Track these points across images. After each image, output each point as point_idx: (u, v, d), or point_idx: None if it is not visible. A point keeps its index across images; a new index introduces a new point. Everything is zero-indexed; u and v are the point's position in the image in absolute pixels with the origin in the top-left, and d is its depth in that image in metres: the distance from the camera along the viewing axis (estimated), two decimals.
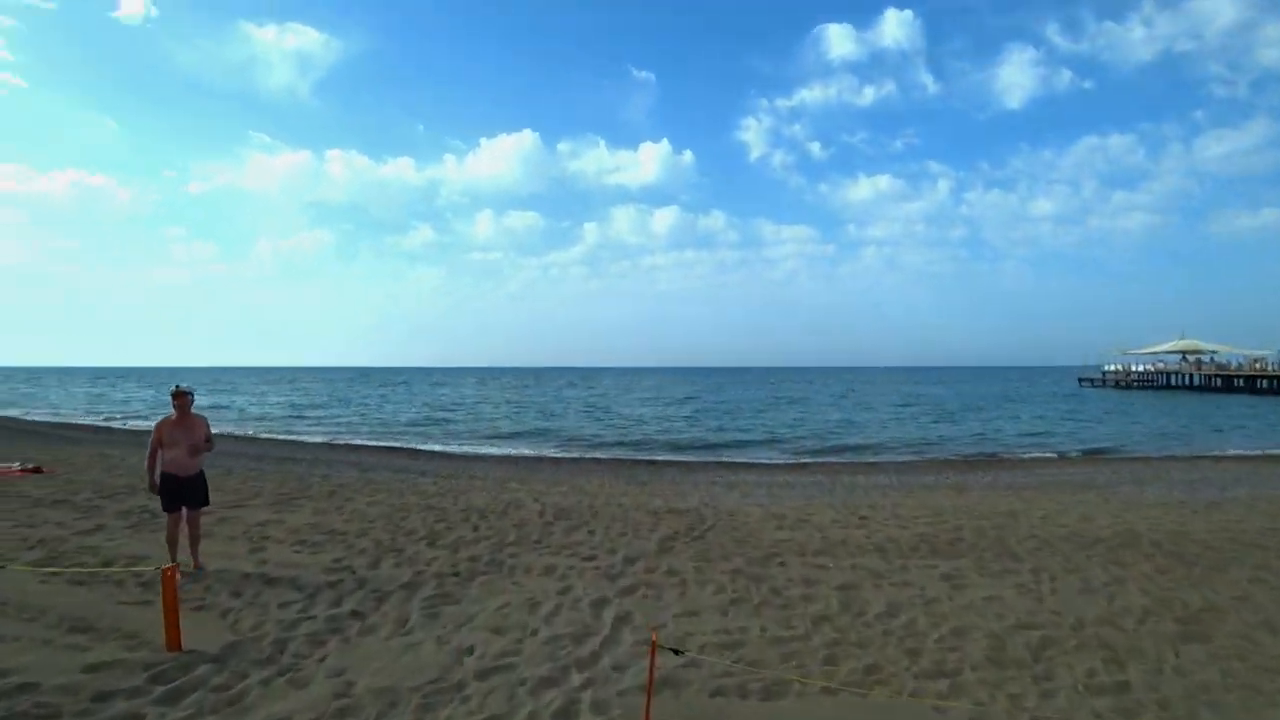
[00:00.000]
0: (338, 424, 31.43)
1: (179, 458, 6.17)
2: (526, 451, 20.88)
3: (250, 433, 26.40)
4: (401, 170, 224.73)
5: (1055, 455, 20.67)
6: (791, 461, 19.32)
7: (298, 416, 36.23)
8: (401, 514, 9.37)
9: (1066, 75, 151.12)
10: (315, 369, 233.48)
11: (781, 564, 6.92)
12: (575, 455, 20.03)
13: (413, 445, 22.15)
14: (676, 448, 22.17)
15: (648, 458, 19.64)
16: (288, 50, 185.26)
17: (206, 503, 6.49)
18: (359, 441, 23.36)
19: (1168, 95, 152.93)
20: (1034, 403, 47.82)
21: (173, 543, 6.24)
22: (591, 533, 8.21)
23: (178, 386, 6.29)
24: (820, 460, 19.73)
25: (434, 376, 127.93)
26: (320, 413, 39.01)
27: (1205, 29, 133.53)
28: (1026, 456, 20.33)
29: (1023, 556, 7.59)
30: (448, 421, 32.82)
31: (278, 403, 47.53)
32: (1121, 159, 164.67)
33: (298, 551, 7.17)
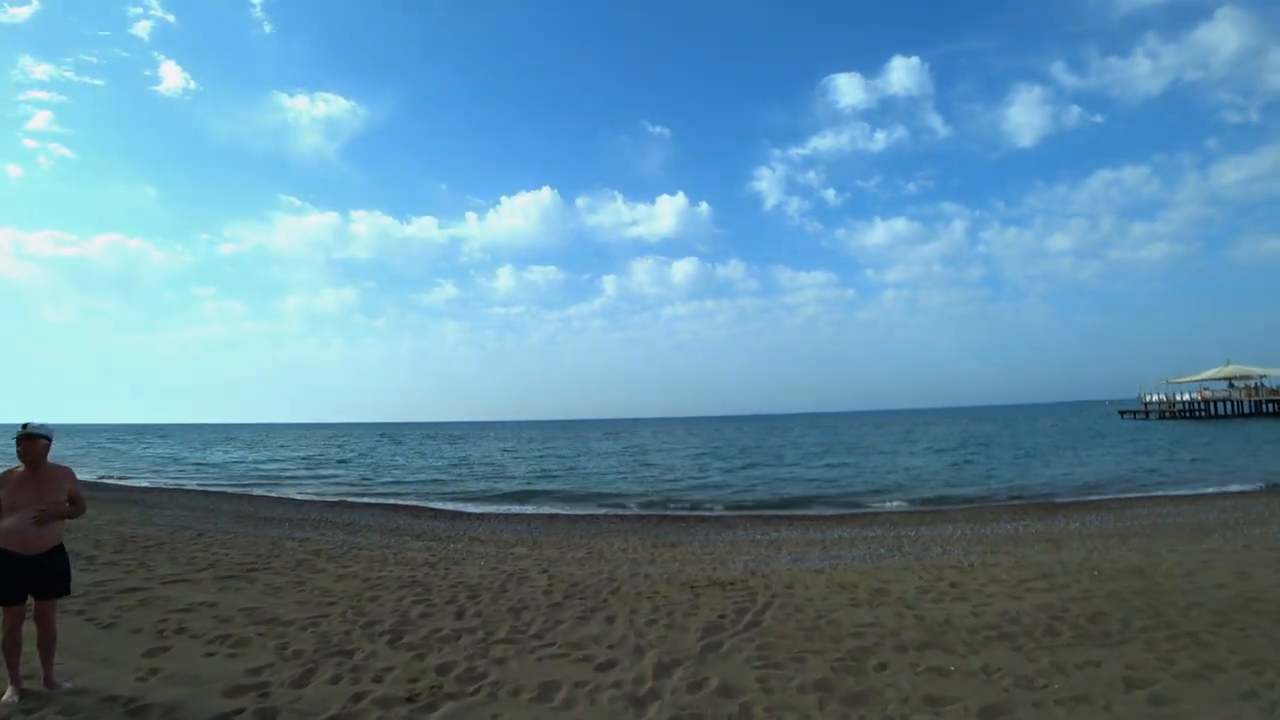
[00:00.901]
0: (349, 481, 29.64)
1: (21, 527, 4.31)
2: (541, 510, 18.84)
3: (251, 490, 24.67)
4: (425, 229, 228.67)
5: (1139, 495, 18.17)
6: (840, 513, 17.05)
7: (310, 474, 34.52)
8: (373, 593, 7.43)
9: (1075, 111, 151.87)
10: (343, 425, 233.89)
11: (880, 667, 4.85)
12: (596, 513, 17.94)
13: (418, 503, 20.24)
14: (709, 502, 19.97)
15: (677, 514, 17.50)
16: (318, 117, 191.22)
17: (66, 591, 4.60)
18: (362, 499, 21.50)
19: (1179, 125, 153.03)
20: (1087, 439, 44.80)
21: (11, 649, 4.35)
22: (610, 620, 6.19)
23: (25, 427, 4.47)
24: (871, 510, 17.43)
25: (459, 430, 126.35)
26: (334, 469, 37.32)
27: (1211, 58, 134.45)
28: (1107, 497, 17.87)
29: (1208, 639, 5.46)
30: (463, 477, 30.90)
31: (294, 458, 46.02)
32: (1138, 190, 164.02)
33: (210, 655, 5.24)
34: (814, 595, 7.23)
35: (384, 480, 29.37)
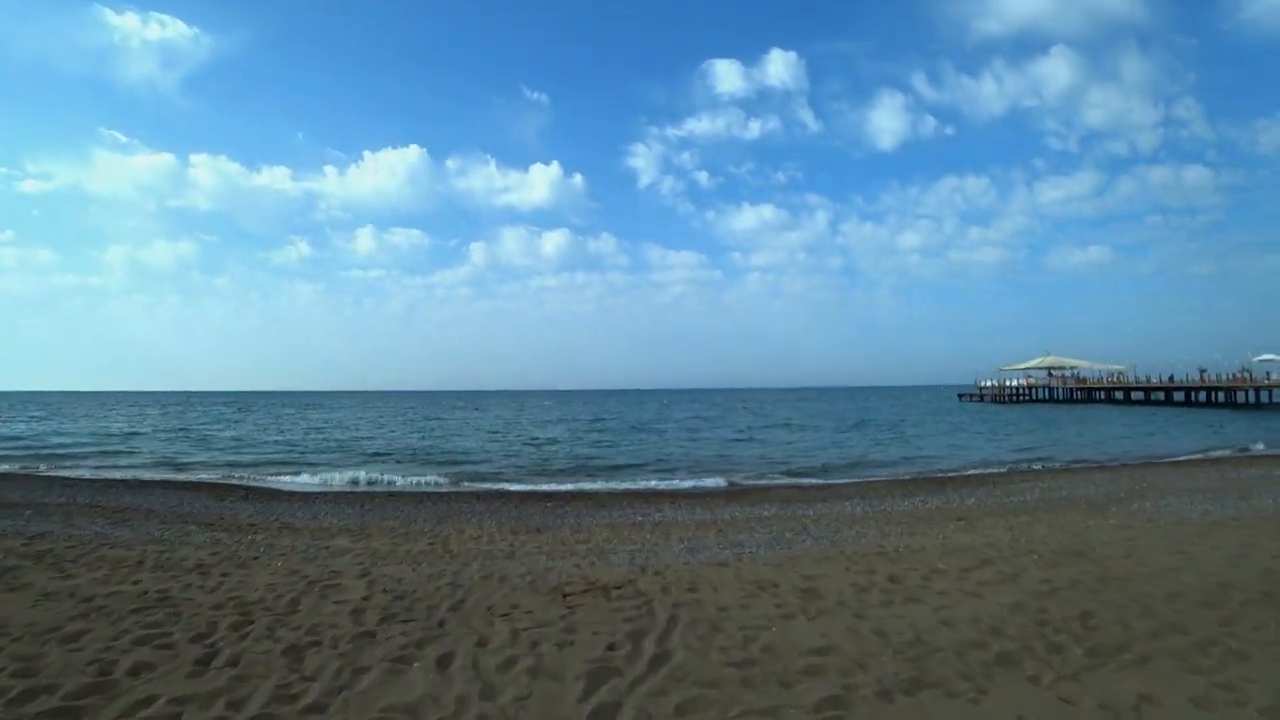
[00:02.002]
0: (157, 456, 24.93)
1: None
2: (381, 487, 16.05)
3: (14, 468, 19.80)
4: (277, 180, 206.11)
5: (1011, 470, 18.27)
6: (725, 487, 15.68)
7: (118, 448, 28.91)
8: (81, 625, 4.84)
9: (931, 122, 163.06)
10: (182, 394, 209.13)
11: None
12: (447, 490, 15.46)
13: (232, 481, 16.78)
14: (580, 476, 18.01)
15: (544, 489, 15.39)
16: (151, 41, 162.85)
17: None
18: (162, 477, 17.62)
19: (1014, 144, 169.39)
20: (940, 418, 47.33)
21: None
22: (444, 663, 4.05)
23: None
24: (759, 483, 16.22)
25: (318, 400, 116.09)
26: (145, 443, 31.73)
27: (1044, 89, 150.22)
28: (988, 472, 17.77)
29: (1234, 644, 4.31)
30: (306, 450, 26.99)
31: (94, 431, 39.08)
32: (977, 199, 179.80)
33: None
34: (728, 602, 5.46)
35: (205, 455, 24.98)
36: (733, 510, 11.74)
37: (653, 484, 16.24)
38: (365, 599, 5.49)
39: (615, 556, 7.65)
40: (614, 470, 19.25)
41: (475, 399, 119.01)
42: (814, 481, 16.43)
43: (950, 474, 17.53)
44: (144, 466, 20.92)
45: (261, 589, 5.85)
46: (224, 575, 6.41)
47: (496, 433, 35.83)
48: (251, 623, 4.88)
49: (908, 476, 17.24)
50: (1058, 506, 11.46)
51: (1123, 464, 18.87)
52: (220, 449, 27.32)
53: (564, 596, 5.59)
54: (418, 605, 5.29)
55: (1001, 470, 18.05)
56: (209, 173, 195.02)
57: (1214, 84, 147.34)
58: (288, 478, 17.39)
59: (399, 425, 42.80)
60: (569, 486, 15.92)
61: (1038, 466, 18.83)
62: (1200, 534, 8.50)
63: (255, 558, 7.32)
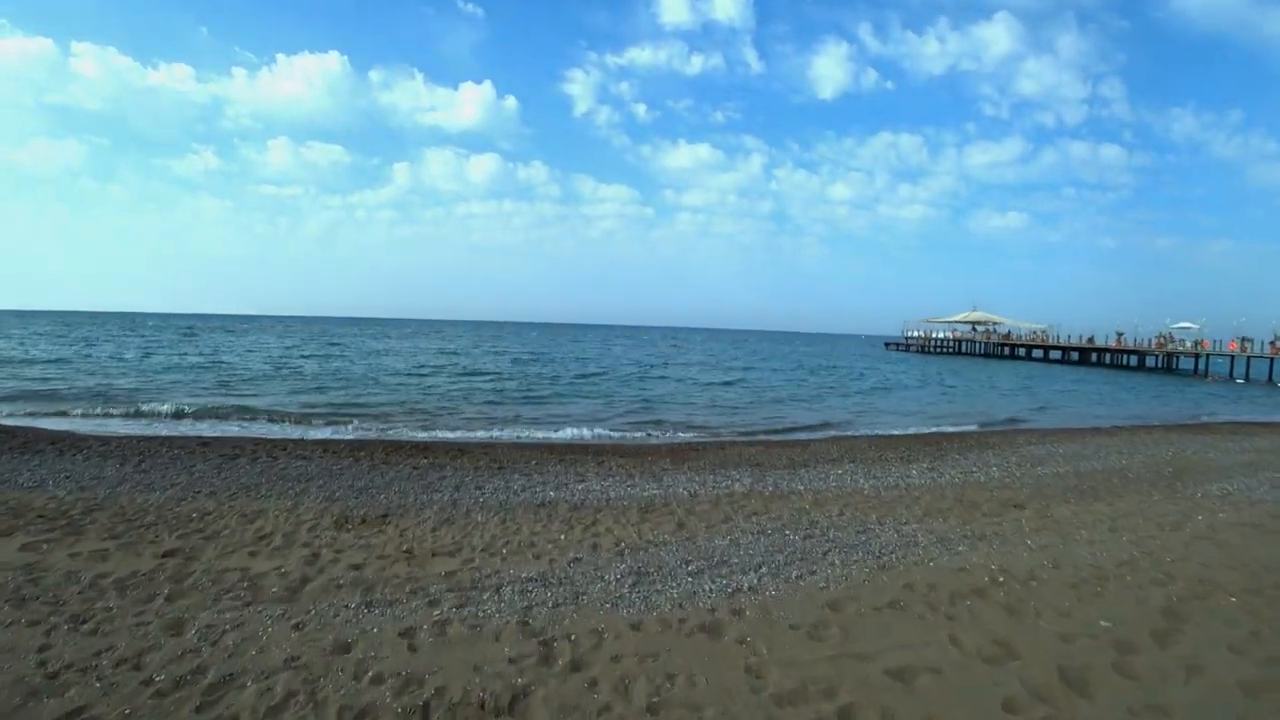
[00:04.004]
0: None
1: None
2: (194, 429, 11.75)
3: None
4: (177, 79, 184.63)
5: (988, 430, 15.71)
6: (671, 442, 12.25)
7: None
8: None
9: (873, 74, 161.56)
10: (58, 313, 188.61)
11: None
12: (281, 435, 11.44)
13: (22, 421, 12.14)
14: (474, 422, 14.14)
15: (419, 439, 11.54)
16: None
17: None
18: None
19: (949, 105, 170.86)
20: (876, 366, 45.51)
21: None
22: None
23: None
24: (715, 439, 12.85)
25: (220, 323, 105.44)
26: None
27: (983, 54, 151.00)
28: (982, 431, 15.04)
29: None
30: (158, 387, 21.90)
31: None
32: (909, 156, 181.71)
33: None
34: None
35: (9, 384, 19.69)
36: (689, 481, 8.29)
37: (577, 433, 12.69)
38: None
39: (495, 599, 4.09)
40: (524, 409, 15.59)
41: (402, 327, 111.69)
42: (781, 438, 13.21)
43: (931, 431, 14.73)
44: None
45: None
46: None
47: (386, 367, 31.21)
48: None
49: (882, 432, 14.30)
50: (1114, 487, 8.60)
51: (1114, 425, 16.62)
52: (41, 377, 21.86)
53: None
54: None
55: (986, 430, 15.41)
56: (95, 65, 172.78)
57: (1139, 68, 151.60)
58: (100, 419, 12.94)
59: (302, 353, 37.35)
60: (457, 435, 12.13)
61: (1023, 426, 16.37)
62: None
63: None
